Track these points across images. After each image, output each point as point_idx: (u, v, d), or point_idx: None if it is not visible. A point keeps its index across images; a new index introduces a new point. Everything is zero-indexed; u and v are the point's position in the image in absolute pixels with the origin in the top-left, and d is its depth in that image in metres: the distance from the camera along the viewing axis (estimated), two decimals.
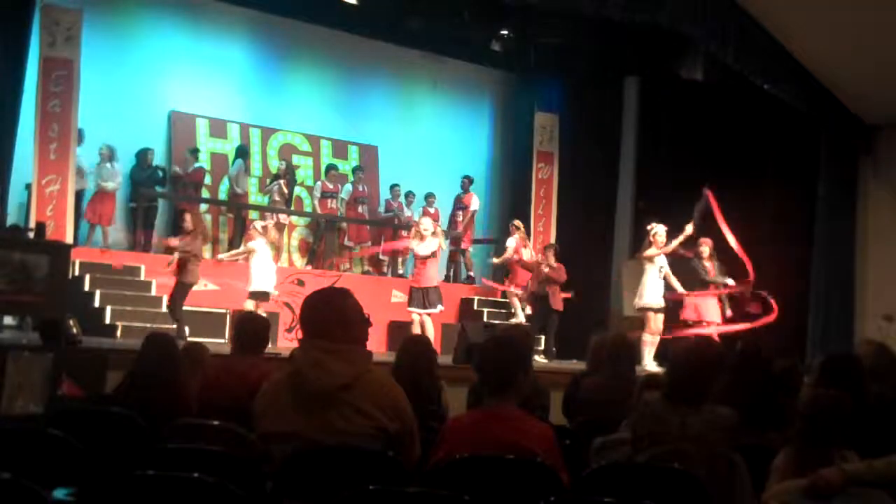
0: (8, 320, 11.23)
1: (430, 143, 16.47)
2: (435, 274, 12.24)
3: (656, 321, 12.29)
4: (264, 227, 12.19)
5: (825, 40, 12.46)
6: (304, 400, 3.61)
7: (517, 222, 14.36)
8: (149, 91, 14.16)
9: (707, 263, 12.52)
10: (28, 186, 11.76)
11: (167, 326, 10.94)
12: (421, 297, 11.98)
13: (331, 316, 3.74)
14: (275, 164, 14.96)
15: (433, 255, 12.09)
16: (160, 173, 13.78)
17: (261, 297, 11.80)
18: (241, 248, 12.55)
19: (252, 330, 5.70)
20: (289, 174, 14.52)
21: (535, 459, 3.65)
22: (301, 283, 13.12)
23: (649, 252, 12.32)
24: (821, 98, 13.70)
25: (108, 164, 13.04)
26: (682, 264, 12.68)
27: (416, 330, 11.70)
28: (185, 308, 11.66)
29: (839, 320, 14.61)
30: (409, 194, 15.71)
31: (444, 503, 3.20)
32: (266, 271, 11.87)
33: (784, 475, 3.73)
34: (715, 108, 14.54)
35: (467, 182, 15.86)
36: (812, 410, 3.81)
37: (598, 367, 6.36)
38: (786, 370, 5.58)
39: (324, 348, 3.65)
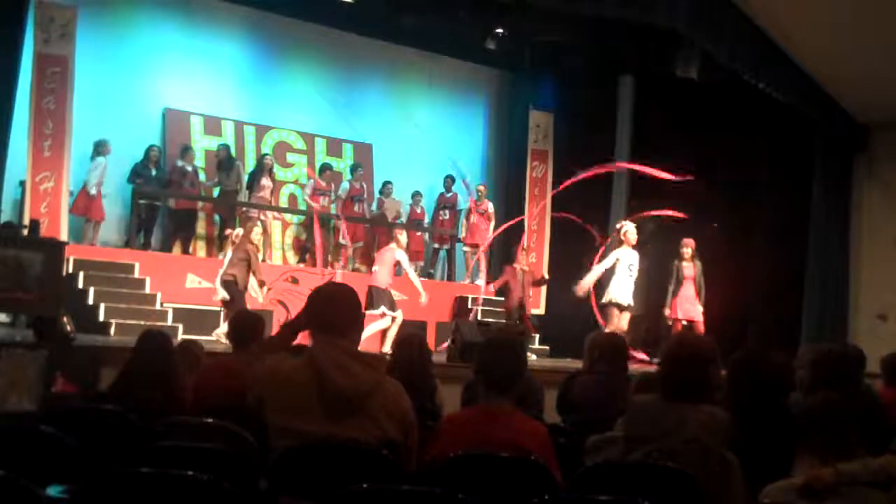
0: (1, 317, 11.23)
1: (424, 142, 16.47)
2: (385, 276, 12.01)
3: (621, 319, 12.21)
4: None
5: (820, 39, 12.48)
6: (326, 402, 3.54)
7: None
8: (143, 88, 14.15)
9: (686, 263, 12.54)
10: (22, 183, 11.75)
11: (161, 324, 10.94)
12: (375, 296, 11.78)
13: (343, 310, 3.71)
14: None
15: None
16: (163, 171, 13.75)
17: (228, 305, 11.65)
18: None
19: (246, 326, 5.70)
20: (271, 169, 14.44)
21: (529, 458, 3.65)
22: (295, 280, 13.11)
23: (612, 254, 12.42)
24: (815, 97, 13.72)
25: (100, 160, 13.02)
26: (664, 264, 12.75)
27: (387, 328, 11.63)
28: (178, 306, 11.64)
29: (833, 319, 14.65)
30: (386, 184, 15.64)
31: (439, 501, 3.19)
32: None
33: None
34: (709, 107, 14.55)
35: (450, 181, 15.88)
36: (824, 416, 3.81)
37: (592, 366, 6.36)
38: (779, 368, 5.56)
39: (345, 350, 3.60)
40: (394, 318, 11.93)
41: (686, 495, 3.58)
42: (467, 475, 3.54)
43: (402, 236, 12.55)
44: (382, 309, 11.79)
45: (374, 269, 12.36)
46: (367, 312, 11.46)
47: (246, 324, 5.75)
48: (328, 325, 3.67)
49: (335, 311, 3.70)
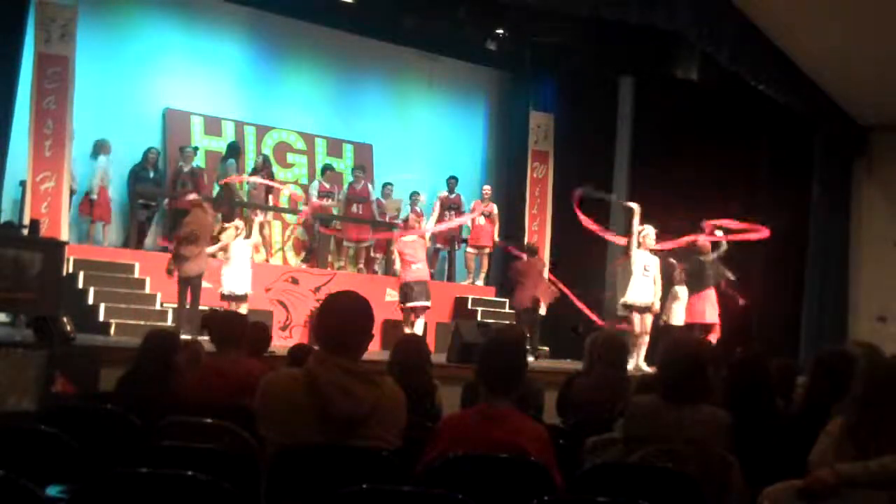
0: (1, 317, 11.22)
1: (424, 142, 16.47)
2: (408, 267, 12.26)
3: (642, 321, 12.33)
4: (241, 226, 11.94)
5: (820, 42, 12.48)
6: (326, 423, 3.51)
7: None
8: (144, 88, 14.13)
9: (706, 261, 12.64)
10: (22, 183, 11.73)
11: (160, 324, 10.92)
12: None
13: (352, 329, 3.65)
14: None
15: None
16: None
17: (234, 299, 11.59)
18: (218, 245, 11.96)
19: (223, 327, 5.69)
20: (266, 168, 14.44)
21: (528, 459, 3.64)
22: (295, 281, 13.10)
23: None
24: (815, 99, 13.73)
25: (104, 160, 13.02)
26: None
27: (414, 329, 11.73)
28: (172, 305, 11.62)
29: (833, 321, 14.66)
30: (386, 185, 15.64)
31: (438, 502, 3.19)
32: (237, 272, 11.66)
33: (838, 441, 3.73)
34: (709, 108, 14.56)
35: (453, 182, 15.85)
36: (875, 376, 3.82)
37: (591, 367, 6.36)
38: (781, 371, 5.57)
39: (345, 369, 3.55)
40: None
41: (686, 496, 3.57)
42: (467, 476, 3.54)
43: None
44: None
45: (416, 264, 12.31)
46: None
47: (223, 325, 5.74)
48: (335, 342, 3.62)
49: (345, 329, 3.64)
